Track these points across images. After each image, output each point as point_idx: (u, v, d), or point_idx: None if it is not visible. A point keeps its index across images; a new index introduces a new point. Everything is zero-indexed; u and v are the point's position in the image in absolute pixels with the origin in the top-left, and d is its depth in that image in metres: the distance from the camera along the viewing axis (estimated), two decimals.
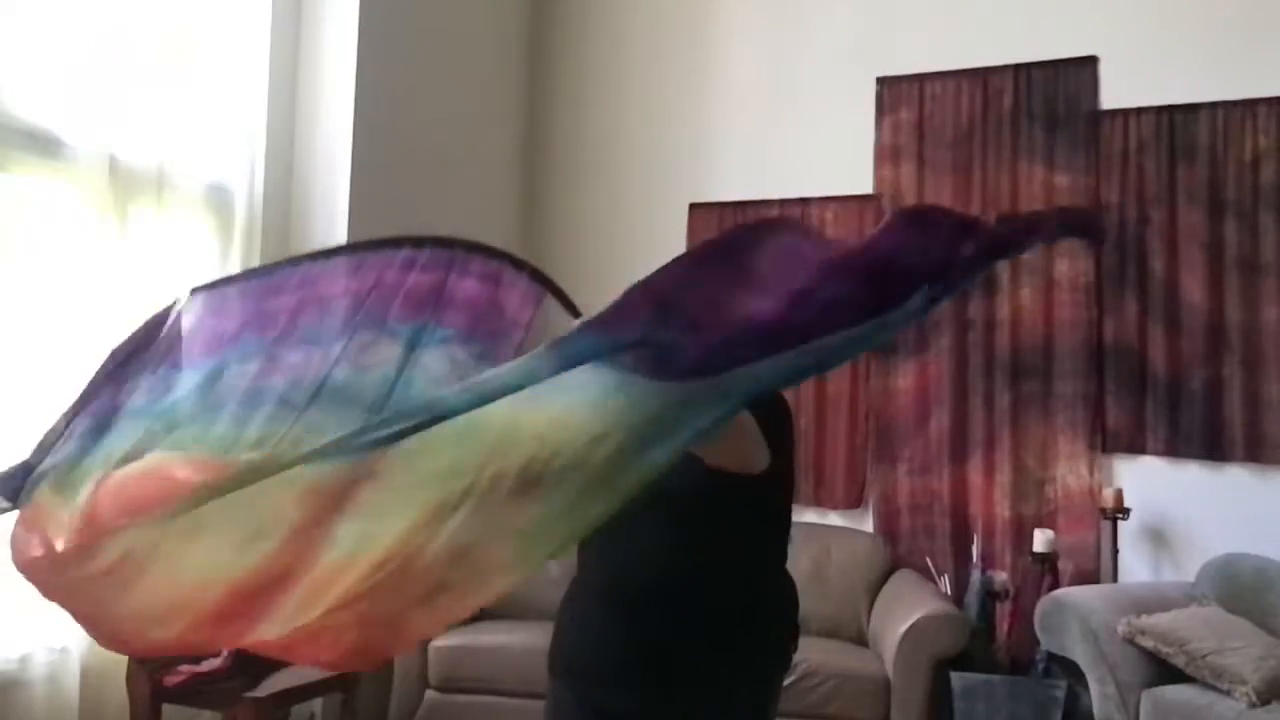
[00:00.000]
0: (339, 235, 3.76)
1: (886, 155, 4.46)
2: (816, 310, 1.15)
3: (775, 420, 1.74)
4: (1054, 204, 4.17)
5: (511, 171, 4.96)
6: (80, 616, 1.43)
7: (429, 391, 1.44)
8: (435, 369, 1.47)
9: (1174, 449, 3.95)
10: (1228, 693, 3.05)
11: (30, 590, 1.40)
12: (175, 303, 1.66)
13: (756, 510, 1.82)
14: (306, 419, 1.45)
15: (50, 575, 1.41)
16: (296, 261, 1.57)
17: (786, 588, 1.88)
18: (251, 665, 2.94)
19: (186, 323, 1.61)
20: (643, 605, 1.74)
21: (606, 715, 1.77)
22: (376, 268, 1.53)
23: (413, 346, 1.48)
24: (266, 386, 1.51)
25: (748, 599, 1.81)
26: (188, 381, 1.55)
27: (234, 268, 3.42)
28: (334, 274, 1.56)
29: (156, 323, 1.63)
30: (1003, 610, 3.82)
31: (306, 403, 1.47)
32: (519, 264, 1.52)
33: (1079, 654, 3.36)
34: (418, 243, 1.51)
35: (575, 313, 1.51)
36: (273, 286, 1.58)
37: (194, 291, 1.64)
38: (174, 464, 1.42)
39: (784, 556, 1.87)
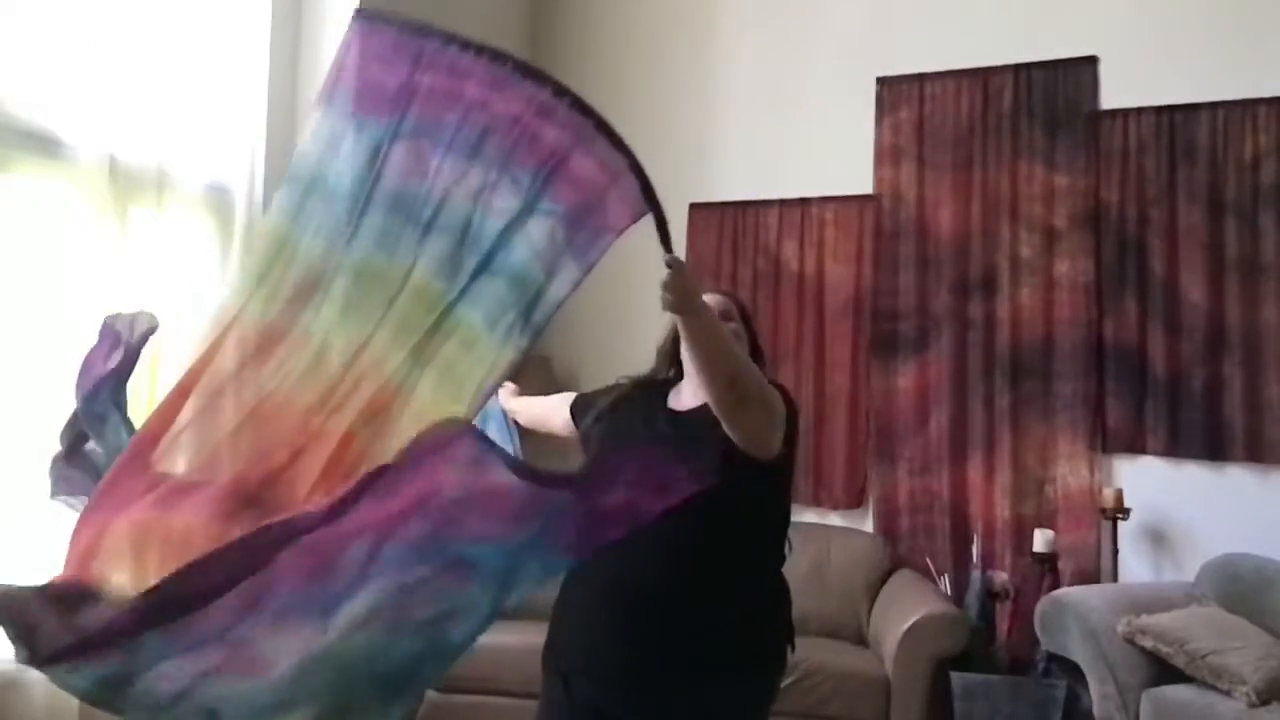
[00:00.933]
0: None
1: (886, 155, 4.46)
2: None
3: (788, 412, 1.76)
4: (1053, 205, 4.17)
5: None
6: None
7: (525, 260, 1.45)
8: (536, 239, 1.46)
9: (1174, 449, 3.94)
10: (1228, 693, 3.05)
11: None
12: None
13: (760, 507, 1.82)
14: (425, 247, 1.47)
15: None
16: (448, 40, 1.52)
17: (783, 589, 1.88)
18: None
19: (351, 53, 1.58)
20: (646, 605, 1.73)
21: (603, 715, 1.76)
22: (519, 97, 1.48)
23: (527, 205, 1.47)
24: (404, 191, 1.51)
25: (749, 600, 1.81)
26: (349, 140, 1.55)
27: (234, 268, 3.42)
28: (479, 77, 1.51)
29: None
30: (1003, 610, 3.82)
31: (429, 223, 1.48)
32: (637, 168, 1.46)
33: (1079, 654, 3.36)
34: (560, 90, 1.46)
35: (668, 246, 1.52)
36: (423, 57, 1.53)
37: (358, 15, 1.59)
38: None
39: (782, 558, 1.87)
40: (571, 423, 2.10)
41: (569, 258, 1.46)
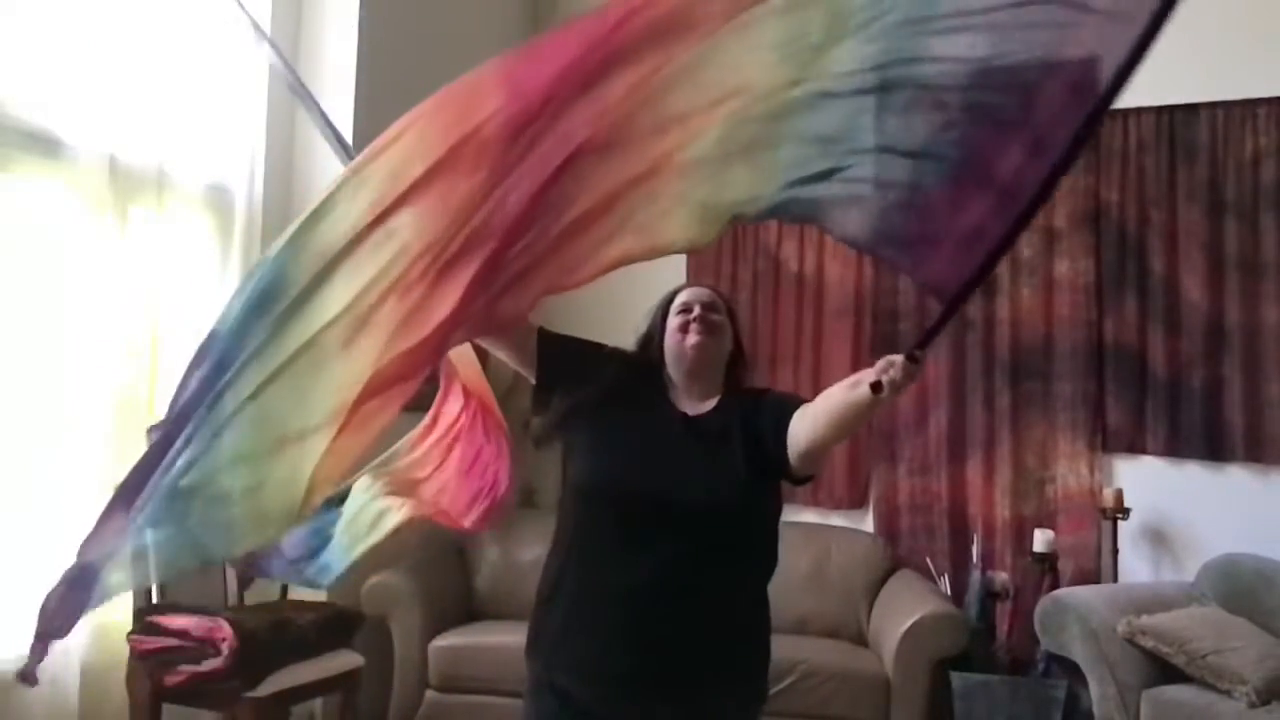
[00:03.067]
0: None
1: None
2: None
3: None
4: (1053, 205, 4.16)
5: None
6: None
7: (857, 176, 1.32)
8: (882, 171, 1.34)
9: (1174, 449, 3.95)
10: (1228, 693, 3.05)
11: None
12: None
13: (765, 512, 1.81)
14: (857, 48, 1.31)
15: None
16: None
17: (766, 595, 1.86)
18: (251, 665, 2.92)
19: None
20: (651, 609, 1.70)
21: (592, 715, 1.74)
22: (1065, 91, 1.27)
23: (927, 155, 1.33)
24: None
25: (750, 604, 1.80)
26: None
27: (234, 268, 3.42)
28: (1088, 33, 1.30)
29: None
30: (1003, 610, 3.82)
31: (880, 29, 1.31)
32: (991, 263, 1.30)
33: (1079, 654, 3.36)
34: (1074, 152, 1.24)
35: (928, 342, 1.47)
36: None
37: None
38: None
39: (775, 565, 1.85)
40: (535, 359, 1.86)
41: (844, 209, 1.34)
